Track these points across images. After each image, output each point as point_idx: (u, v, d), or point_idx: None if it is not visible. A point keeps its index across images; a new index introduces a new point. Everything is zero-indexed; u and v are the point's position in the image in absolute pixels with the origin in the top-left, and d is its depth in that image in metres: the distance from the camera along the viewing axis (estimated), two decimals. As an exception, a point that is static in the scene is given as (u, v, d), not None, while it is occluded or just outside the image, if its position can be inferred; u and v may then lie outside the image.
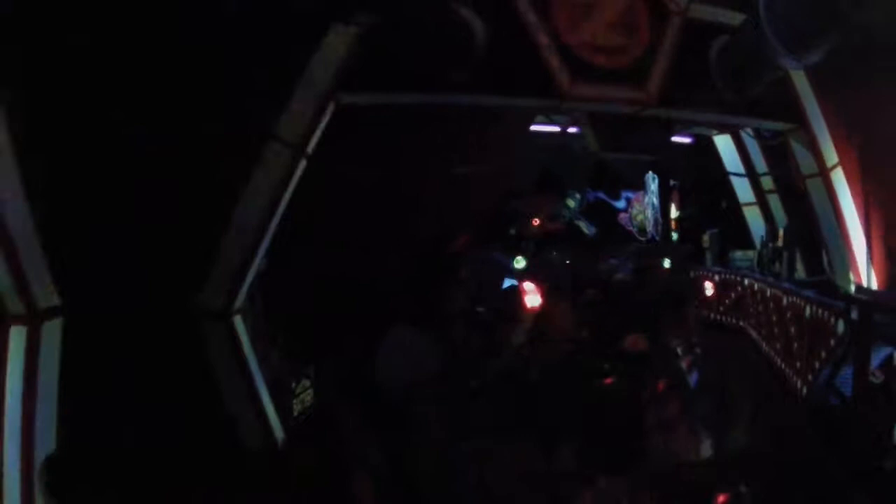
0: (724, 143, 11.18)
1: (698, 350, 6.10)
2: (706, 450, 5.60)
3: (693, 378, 6.10)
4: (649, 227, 14.18)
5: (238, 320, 6.99)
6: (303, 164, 7.09)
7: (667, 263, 11.48)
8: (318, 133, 7.12)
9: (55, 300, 5.76)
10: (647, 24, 7.65)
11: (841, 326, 8.03)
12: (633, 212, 14.34)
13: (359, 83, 7.09)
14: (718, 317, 11.71)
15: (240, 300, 7.02)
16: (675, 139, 11.07)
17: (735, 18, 7.75)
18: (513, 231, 11.52)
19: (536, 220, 11.62)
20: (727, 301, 11.70)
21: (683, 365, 5.99)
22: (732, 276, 11.67)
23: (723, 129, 11.58)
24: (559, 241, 12.27)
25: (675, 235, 13.98)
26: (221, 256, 6.89)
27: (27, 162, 5.55)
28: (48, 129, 5.74)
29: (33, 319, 5.55)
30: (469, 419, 5.26)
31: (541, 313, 6.46)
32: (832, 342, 8.19)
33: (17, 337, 5.49)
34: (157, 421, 5.94)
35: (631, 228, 14.28)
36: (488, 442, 5.12)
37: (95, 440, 5.64)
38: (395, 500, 5.12)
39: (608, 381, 5.34)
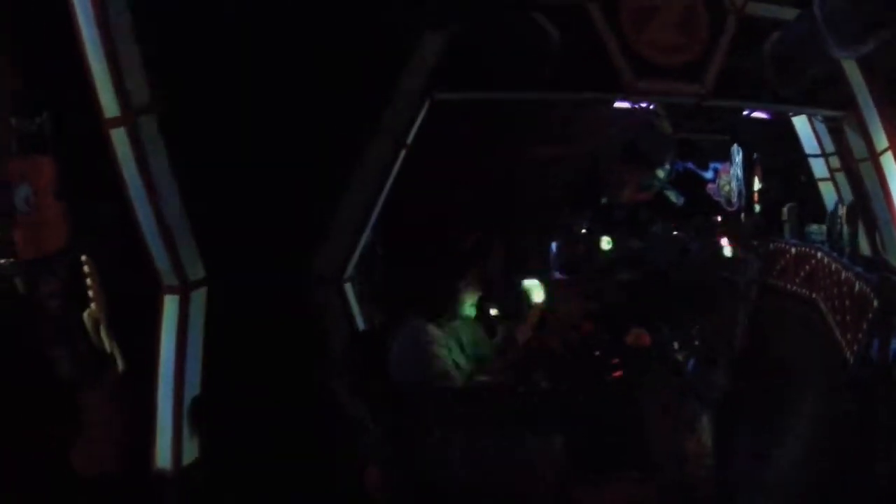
0: (800, 123, 11.32)
1: (697, 342, 6.11)
2: (706, 437, 5.61)
3: (689, 365, 6.03)
4: (734, 199, 14.22)
5: (348, 286, 7.98)
6: (403, 153, 7.99)
7: (725, 242, 11.16)
8: (415, 126, 7.96)
9: (201, 273, 6.80)
10: (706, 22, 8.09)
11: (875, 300, 8.44)
12: (720, 182, 14.43)
13: (450, 82, 7.86)
14: (794, 288, 11.90)
15: (349, 270, 7.98)
16: (755, 115, 11.34)
17: (789, 14, 8.14)
18: (604, 201, 11.68)
19: (627, 189, 11.56)
20: (802, 273, 11.92)
21: (680, 358, 5.92)
22: (807, 250, 11.87)
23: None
24: (649, 210, 12.22)
25: (757, 207, 14.07)
26: (334, 232, 7.87)
27: (177, 160, 6.64)
28: (193, 130, 6.75)
29: (184, 289, 6.61)
30: (476, 415, 5.21)
31: (546, 308, 6.45)
32: (869, 315, 8.55)
33: (171, 304, 6.60)
34: (279, 370, 6.80)
35: (718, 199, 14.32)
36: (495, 438, 5.14)
37: (230, 385, 6.67)
38: (406, 494, 5.18)
39: (617, 374, 5.50)
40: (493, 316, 6.12)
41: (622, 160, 11.65)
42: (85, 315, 6.17)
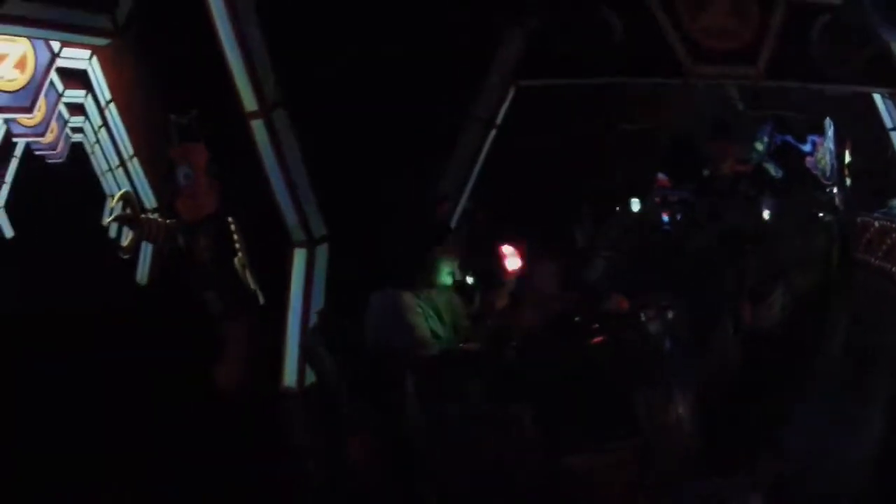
0: (879, 98, 11.05)
1: (670, 314, 5.62)
2: (685, 409, 5.34)
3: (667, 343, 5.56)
4: (828, 172, 13.63)
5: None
6: (493, 133, 9.20)
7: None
8: (503, 109, 9.14)
9: (324, 231, 8.13)
10: (757, 8, 8.60)
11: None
12: (817, 155, 13.88)
13: (531, 70, 8.96)
14: (877, 262, 11.36)
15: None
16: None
17: (836, -2, 8.79)
18: (706, 172, 11.39)
19: (727, 162, 11.18)
20: (884, 247, 11.43)
21: (651, 329, 5.49)
22: (889, 224, 11.45)
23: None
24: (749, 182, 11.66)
25: (848, 181, 13.55)
26: (436, 198, 9.07)
27: (305, 143, 8.04)
28: (317, 117, 8.15)
29: (310, 244, 7.95)
30: (457, 383, 5.02)
31: (522, 275, 6.37)
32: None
33: (299, 256, 7.92)
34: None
35: (816, 172, 13.76)
36: (477, 406, 4.97)
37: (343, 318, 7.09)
38: (389, 463, 5.06)
39: (598, 340, 5.28)
40: (471, 284, 6.06)
41: (711, 134, 11.69)
42: (235, 261, 7.67)
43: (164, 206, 9.32)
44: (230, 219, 7.72)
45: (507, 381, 5.01)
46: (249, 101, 7.90)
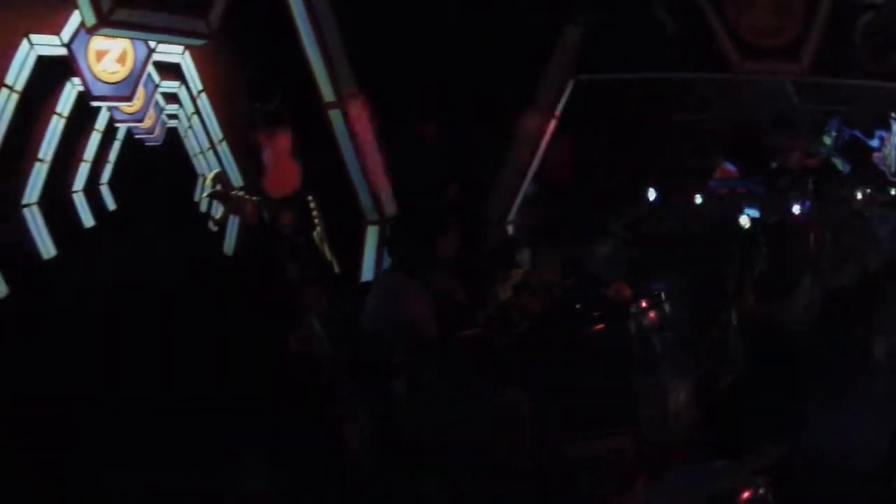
0: None
1: (668, 303, 5.49)
2: (684, 397, 5.22)
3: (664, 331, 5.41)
4: (894, 168, 13.45)
5: (509, 227, 9.75)
6: (553, 122, 9.66)
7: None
8: (563, 100, 9.58)
9: (394, 210, 8.74)
10: (802, 6, 8.76)
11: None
12: (885, 151, 13.73)
13: (589, 65, 9.43)
14: None
15: (511, 213, 9.78)
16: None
17: (879, -3, 8.91)
18: (774, 165, 11.51)
19: (794, 155, 11.33)
20: None
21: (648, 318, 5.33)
22: None
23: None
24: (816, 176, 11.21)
25: None
26: (499, 183, 9.74)
27: (379, 130, 8.69)
28: (391, 107, 8.86)
29: (382, 221, 8.54)
30: (456, 366, 4.85)
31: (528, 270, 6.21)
32: None
33: (372, 232, 8.58)
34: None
35: (883, 167, 13.51)
36: (475, 388, 4.81)
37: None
38: (384, 449, 4.83)
39: (600, 327, 5.15)
40: (479, 271, 5.89)
41: (772, 127, 11.99)
42: (314, 234, 8.33)
43: (251, 185, 9.92)
44: (310, 197, 8.39)
45: (505, 367, 4.89)
46: (328, 93, 8.55)
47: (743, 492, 3.84)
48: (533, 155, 9.82)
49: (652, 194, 11.02)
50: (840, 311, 7.64)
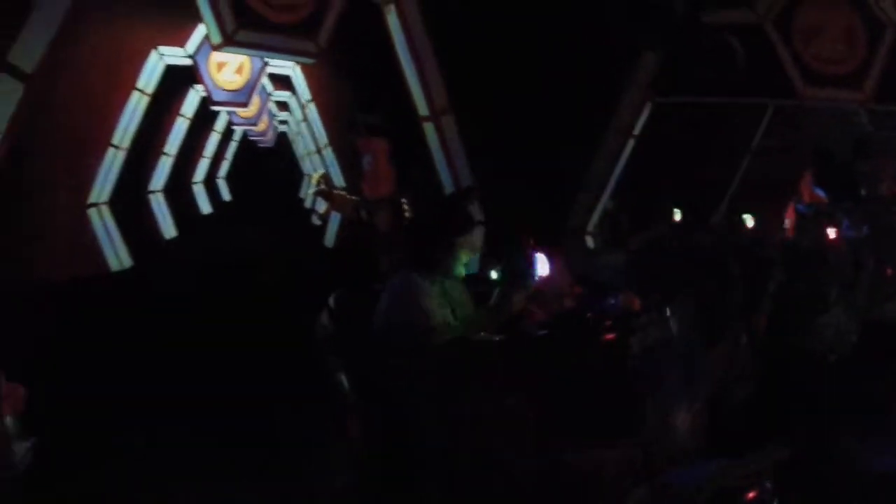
0: None
1: (674, 318, 5.22)
2: (690, 411, 5.04)
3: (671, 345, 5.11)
4: None
5: (588, 237, 10.22)
6: (631, 142, 10.11)
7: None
8: (640, 122, 10.04)
9: (481, 216, 9.02)
10: (865, 36, 8.92)
11: None
12: None
13: (665, 88, 9.89)
14: None
15: (591, 225, 10.27)
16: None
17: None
18: (863, 192, 11.35)
19: (884, 182, 11.33)
20: None
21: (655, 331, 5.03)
22: None
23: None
24: None
25: None
26: (579, 197, 10.23)
27: (468, 144, 9.33)
28: (480, 123, 9.50)
29: None
30: (464, 373, 4.64)
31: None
32: None
33: None
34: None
35: None
36: (480, 391, 4.61)
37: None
38: (383, 444, 4.68)
39: (609, 337, 4.94)
40: (493, 279, 5.59)
41: (854, 153, 12.04)
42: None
43: (351, 186, 10.49)
44: (403, 199, 9.03)
45: (511, 372, 4.66)
46: (422, 107, 9.28)
47: (748, 491, 3.83)
48: (610, 173, 10.27)
49: (678, 214, 10.43)
50: (879, 343, 7.35)
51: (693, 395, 5.08)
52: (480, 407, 4.59)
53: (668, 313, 5.08)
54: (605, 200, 10.41)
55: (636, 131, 10.40)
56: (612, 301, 5.45)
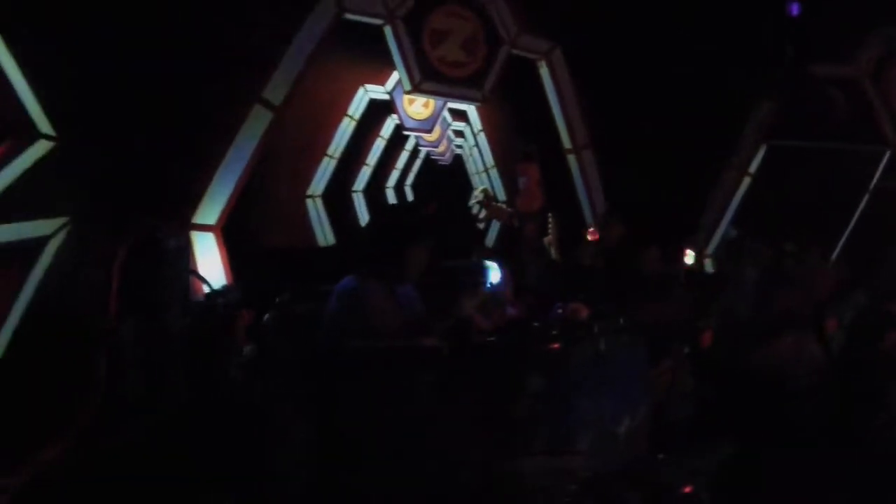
0: None
1: (621, 330, 5.05)
2: (634, 422, 4.85)
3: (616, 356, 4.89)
4: None
5: (709, 262, 11.07)
6: (747, 180, 10.94)
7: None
8: (756, 161, 10.89)
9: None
10: None
11: None
12: None
13: (779, 132, 10.74)
14: None
15: (710, 248, 11.15)
16: None
17: None
18: None
19: None
20: None
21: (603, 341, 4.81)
22: None
23: None
24: None
25: None
26: (702, 223, 11.16)
27: (605, 174, 10.63)
28: (616, 158, 10.55)
29: None
30: (415, 377, 4.45)
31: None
32: None
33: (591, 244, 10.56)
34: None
35: None
36: (424, 402, 4.43)
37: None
38: (328, 455, 4.40)
39: (555, 346, 4.75)
40: (444, 283, 5.40)
41: None
42: (545, 239, 9.50)
43: (510, 201, 11.47)
44: (550, 215, 9.68)
45: (458, 378, 4.54)
46: (566, 141, 10.53)
47: (683, 487, 3.85)
48: (727, 203, 11.15)
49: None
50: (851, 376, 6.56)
51: (634, 408, 4.91)
52: (427, 411, 4.41)
53: (596, 329, 4.93)
54: (725, 227, 11.11)
55: (751, 170, 11.06)
56: (559, 311, 5.39)
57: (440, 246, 5.23)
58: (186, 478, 4.31)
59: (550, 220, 9.67)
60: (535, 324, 5.39)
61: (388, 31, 9.00)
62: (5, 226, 5.17)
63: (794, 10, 9.95)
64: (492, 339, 5.08)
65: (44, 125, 5.50)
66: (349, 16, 8.44)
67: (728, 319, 6.83)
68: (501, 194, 12.97)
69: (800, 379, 6.19)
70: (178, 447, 4.51)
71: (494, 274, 5.65)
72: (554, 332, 4.97)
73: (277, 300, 5.39)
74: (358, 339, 4.43)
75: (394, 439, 4.33)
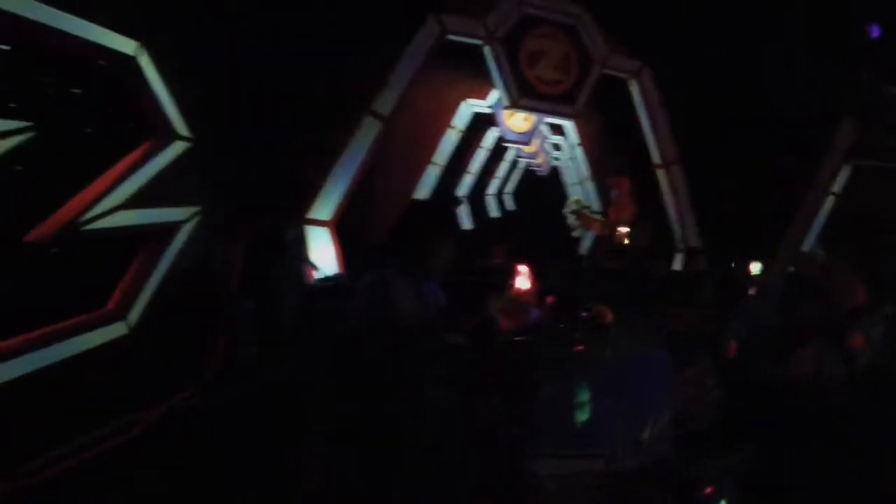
0: None
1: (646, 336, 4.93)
2: (658, 426, 4.74)
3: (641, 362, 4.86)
4: None
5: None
6: (831, 199, 10.94)
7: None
8: (839, 181, 10.87)
9: (697, 242, 10.74)
10: None
11: None
12: None
13: (861, 153, 10.69)
14: None
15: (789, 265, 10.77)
16: None
17: None
18: None
19: None
20: None
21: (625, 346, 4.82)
22: None
23: None
24: None
25: None
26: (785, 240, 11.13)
27: (692, 186, 10.83)
28: (703, 171, 10.79)
29: (687, 252, 10.78)
30: (438, 373, 4.31)
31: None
32: None
33: (678, 258, 10.93)
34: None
35: None
36: (452, 397, 4.29)
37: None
38: (356, 450, 4.19)
39: (579, 348, 4.73)
40: (471, 283, 5.29)
41: None
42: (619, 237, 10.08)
43: (602, 211, 11.84)
44: (640, 223, 10.30)
45: (483, 379, 4.46)
46: (655, 157, 10.84)
47: (709, 485, 3.82)
48: (808, 227, 11.14)
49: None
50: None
51: (657, 412, 4.79)
52: (451, 406, 4.32)
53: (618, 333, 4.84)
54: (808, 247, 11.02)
55: (835, 189, 11.01)
56: (584, 314, 5.24)
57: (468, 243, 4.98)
58: (282, 428, 4.78)
59: (639, 228, 10.20)
60: (560, 325, 5.31)
61: (487, 51, 9.56)
62: (145, 210, 5.62)
63: (875, 32, 10.06)
64: (517, 339, 4.97)
65: (181, 128, 6.05)
66: (452, 37, 9.03)
67: (752, 328, 6.44)
68: (596, 205, 13.36)
69: (820, 392, 5.71)
70: (280, 404, 4.96)
71: (522, 280, 5.57)
72: (578, 335, 4.94)
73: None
74: (384, 334, 4.26)
75: (416, 436, 4.22)
